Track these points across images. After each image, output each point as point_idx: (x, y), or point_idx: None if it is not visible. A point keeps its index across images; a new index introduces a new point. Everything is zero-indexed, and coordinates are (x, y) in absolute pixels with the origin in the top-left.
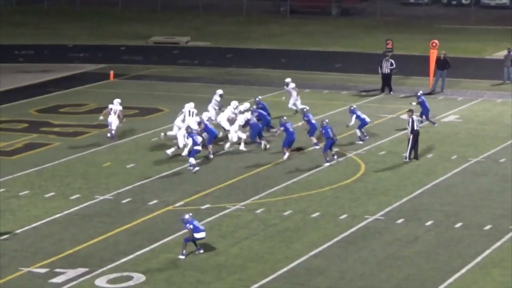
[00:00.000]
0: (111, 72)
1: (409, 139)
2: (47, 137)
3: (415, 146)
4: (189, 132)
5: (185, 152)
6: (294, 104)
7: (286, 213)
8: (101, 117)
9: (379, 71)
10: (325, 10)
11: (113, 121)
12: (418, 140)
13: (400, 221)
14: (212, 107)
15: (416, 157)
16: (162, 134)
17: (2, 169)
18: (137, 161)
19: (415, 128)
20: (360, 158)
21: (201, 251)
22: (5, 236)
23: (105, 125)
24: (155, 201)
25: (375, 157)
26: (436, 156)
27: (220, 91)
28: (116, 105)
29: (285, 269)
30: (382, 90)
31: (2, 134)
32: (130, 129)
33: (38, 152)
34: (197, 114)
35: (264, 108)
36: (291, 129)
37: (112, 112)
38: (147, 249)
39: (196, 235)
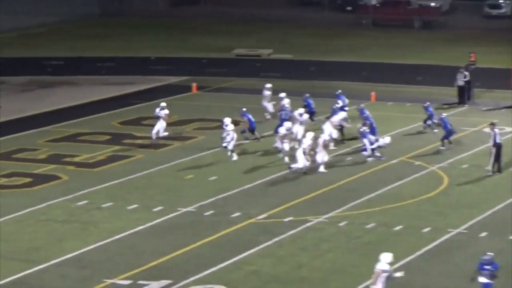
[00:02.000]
0: (194, 85)
1: (491, 152)
2: (130, 149)
3: (498, 159)
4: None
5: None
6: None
7: (368, 226)
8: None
9: (455, 84)
10: (407, 23)
11: (161, 126)
12: (501, 153)
13: (483, 234)
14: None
15: (499, 170)
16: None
17: (85, 181)
18: (219, 173)
19: (497, 141)
20: (443, 171)
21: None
22: (88, 248)
23: (188, 137)
24: (237, 214)
25: (458, 170)
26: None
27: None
28: (161, 110)
29: (368, 283)
30: (460, 102)
31: (85, 146)
32: (211, 141)
33: (120, 164)
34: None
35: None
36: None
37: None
38: (230, 261)
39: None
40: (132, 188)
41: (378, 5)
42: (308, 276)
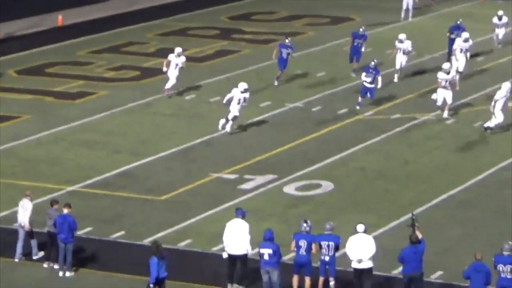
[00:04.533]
0: None
1: None
2: (238, 44)
3: None
4: None
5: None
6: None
7: (476, 125)
8: (164, 69)
9: None
10: None
11: (172, 77)
12: None
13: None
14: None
15: None
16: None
17: (193, 75)
18: (328, 69)
19: None
20: None
21: None
22: (195, 142)
23: (294, 33)
24: (344, 110)
25: None
26: None
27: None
28: (177, 57)
29: (474, 180)
30: None
31: (193, 40)
32: (320, 37)
33: (228, 59)
34: None
35: None
36: None
37: (173, 65)
38: (336, 157)
39: None
40: (237, 82)
41: None
42: (414, 173)
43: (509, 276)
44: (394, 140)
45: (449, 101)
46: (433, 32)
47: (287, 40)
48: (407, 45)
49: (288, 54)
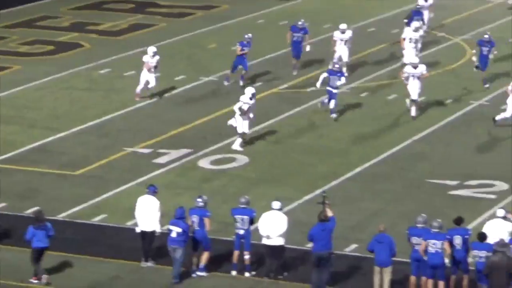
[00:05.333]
0: None
1: None
2: (153, 18)
3: None
4: None
5: None
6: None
7: (390, 97)
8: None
9: None
10: None
11: (143, 80)
12: None
13: (504, 107)
14: None
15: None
16: None
17: (108, 49)
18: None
19: None
20: (466, 43)
21: None
22: (109, 116)
23: (209, 6)
24: (259, 83)
25: None
26: None
27: None
28: (152, 57)
29: (388, 153)
30: None
31: (108, 14)
32: (236, 9)
33: (144, 33)
34: None
35: None
36: None
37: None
38: (251, 130)
39: None
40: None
41: None
42: (329, 147)
43: (438, 250)
44: (309, 114)
45: (415, 97)
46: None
47: (300, 22)
48: (349, 35)
49: (302, 38)
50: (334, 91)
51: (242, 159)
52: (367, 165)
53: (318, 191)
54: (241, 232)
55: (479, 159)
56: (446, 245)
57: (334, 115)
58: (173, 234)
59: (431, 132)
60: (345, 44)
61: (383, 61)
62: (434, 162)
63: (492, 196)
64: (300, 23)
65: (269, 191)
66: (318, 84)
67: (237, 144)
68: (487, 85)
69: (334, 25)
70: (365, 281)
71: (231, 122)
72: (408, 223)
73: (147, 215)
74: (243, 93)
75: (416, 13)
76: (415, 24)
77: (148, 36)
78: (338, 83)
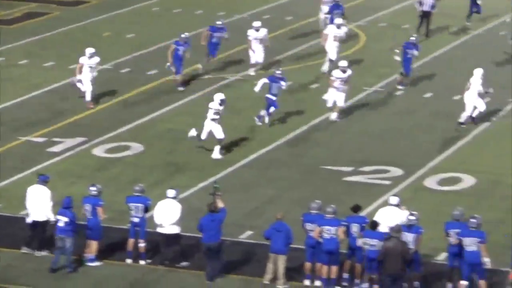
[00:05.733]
0: None
1: (421, 17)
2: (48, 6)
3: (426, 24)
4: None
5: None
6: None
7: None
8: (78, 77)
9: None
10: None
11: (87, 83)
12: (429, 19)
13: (399, 93)
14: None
15: (427, 34)
16: None
17: (2, 38)
18: (138, 31)
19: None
20: (360, 29)
21: None
22: (4, 105)
23: None
24: (154, 71)
25: (375, 28)
26: (438, 30)
27: None
28: (89, 59)
29: (284, 140)
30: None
31: (1, 3)
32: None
33: (37, 21)
34: None
35: None
36: None
37: (86, 69)
38: (146, 118)
39: None
40: (49, 45)
41: None
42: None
43: (333, 236)
44: (202, 101)
45: (341, 103)
46: None
47: (219, 22)
48: (264, 33)
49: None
50: (274, 98)
51: (137, 147)
52: (262, 151)
53: (213, 178)
54: (136, 220)
55: (373, 146)
56: (340, 231)
57: (266, 121)
58: (61, 224)
59: (325, 118)
60: (260, 43)
61: (281, 49)
62: (328, 148)
63: (387, 182)
64: (219, 22)
65: (164, 179)
66: (256, 89)
67: (216, 153)
68: (401, 87)
69: (229, 12)
70: (260, 268)
71: (191, 133)
72: (303, 209)
73: (38, 204)
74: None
75: (335, 7)
76: (337, 21)
77: (42, 25)
78: (280, 89)
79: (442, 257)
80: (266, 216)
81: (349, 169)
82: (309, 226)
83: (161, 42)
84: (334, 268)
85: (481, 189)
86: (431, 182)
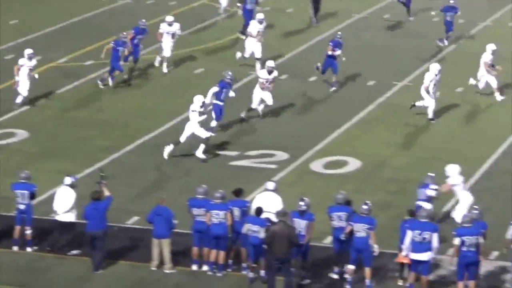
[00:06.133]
0: None
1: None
2: None
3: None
4: None
5: None
6: None
7: (196, 71)
8: (16, 78)
9: None
10: None
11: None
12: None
13: (284, 77)
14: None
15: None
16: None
17: None
18: (20, 16)
19: None
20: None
21: None
22: None
23: None
24: (38, 57)
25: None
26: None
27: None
28: (29, 60)
29: (168, 125)
30: None
31: None
32: None
33: None
34: None
35: None
36: None
37: (24, 70)
38: (30, 105)
39: None
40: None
41: None
42: (108, 119)
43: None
44: (87, 87)
45: (270, 102)
46: None
47: (141, 22)
48: (176, 28)
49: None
50: (222, 104)
51: (22, 134)
52: (147, 137)
53: (99, 164)
54: (22, 207)
55: (258, 130)
56: (228, 216)
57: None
58: None
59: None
60: (172, 37)
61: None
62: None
63: (273, 166)
64: (141, 23)
65: (49, 166)
66: (207, 100)
67: (200, 152)
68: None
69: None
70: (147, 253)
71: (182, 139)
72: (190, 194)
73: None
74: None
75: None
76: (258, 16)
77: None
78: (230, 94)
79: (328, 240)
80: (152, 202)
81: (235, 153)
82: (195, 211)
83: (46, 28)
84: (222, 253)
85: (366, 172)
86: (317, 166)
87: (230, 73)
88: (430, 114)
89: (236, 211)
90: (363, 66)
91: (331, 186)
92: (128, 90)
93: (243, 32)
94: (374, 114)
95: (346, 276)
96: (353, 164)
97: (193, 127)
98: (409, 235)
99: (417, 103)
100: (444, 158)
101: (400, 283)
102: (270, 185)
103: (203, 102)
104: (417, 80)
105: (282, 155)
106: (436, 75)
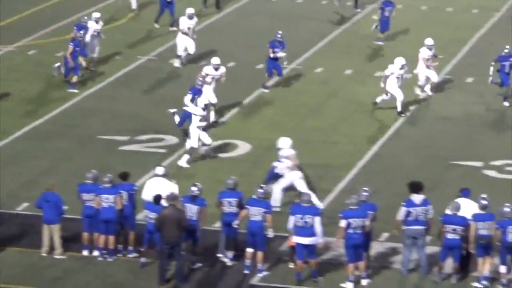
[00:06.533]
0: None
1: None
2: None
3: None
4: None
5: None
6: None
7: (59, 54)
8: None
9: None
10: None
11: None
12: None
13: (177, 64)
14: None
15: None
16: None
17: None
18: None
19: None
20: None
21: None
22: None
23: None
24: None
25: None
26: None
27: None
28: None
29: (57, 111)
30: None
31: None
32: None
33: None
34: None
35: None
36: None
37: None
38: None
39: None
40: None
41: None
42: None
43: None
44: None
45: (214, 100)
46: None
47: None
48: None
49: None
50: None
51: None
52: (35, 123)
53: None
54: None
55: (149, 114)
56: (118, 200)
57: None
58: None
59: (99, 88)
60: (97, 35)
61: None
62: (104, 118)
63: (162, 150)
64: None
65: None
66: (187, 108)
67: (183, 161)
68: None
69: None
70: (38, 240)
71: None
72: (79, 179)
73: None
74: None
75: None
76: (188, 10)
77: None
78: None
79: (219, 224)
80: (42, 188)
81: (125, 138)
82: (85, 196)
83: None
84: (112, 238)
85: (256, 155)
86: (207, 149)
87: (200, 78)
88: (399, 107)
89: (124, 195)
90: (255, 50)
91: (221, 170)
92: (13, 76)
93: (157, 20)
94: (264, 97)
95: (246, 260)
96: (243, 147)
97: (197, 131)
98: (291, 219)
99: (378, 99)
100: (334, 140)
101: (291, 265)
102: (159, 170)
103: (206, 105)
104: (306, 63)
105: (171, 139)
106: (400, 69)
